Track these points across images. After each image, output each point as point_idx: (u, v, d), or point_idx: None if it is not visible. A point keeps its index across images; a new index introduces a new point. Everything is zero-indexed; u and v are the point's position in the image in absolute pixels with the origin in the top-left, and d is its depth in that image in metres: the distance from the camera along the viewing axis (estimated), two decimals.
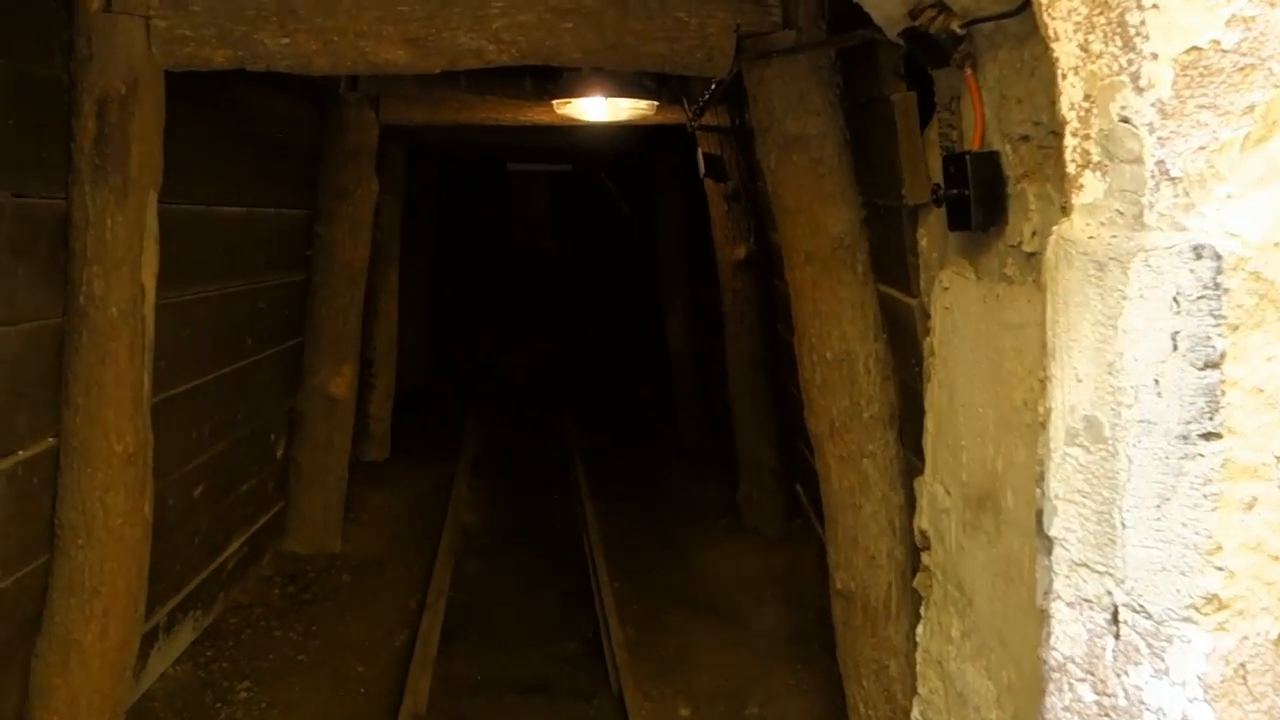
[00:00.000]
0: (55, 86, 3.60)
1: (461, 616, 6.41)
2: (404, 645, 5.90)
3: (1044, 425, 1.79)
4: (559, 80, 6.64)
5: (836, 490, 4.07)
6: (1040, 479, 1.81)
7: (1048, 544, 1.78)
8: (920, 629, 3.60)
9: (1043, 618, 1.79)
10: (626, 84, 6.45)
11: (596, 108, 6.50)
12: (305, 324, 6.97)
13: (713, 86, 6.40)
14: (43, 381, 3.65)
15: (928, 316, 3.44)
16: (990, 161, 2.66)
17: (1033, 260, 2.44)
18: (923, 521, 3.54)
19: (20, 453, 3.56)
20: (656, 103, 6.58)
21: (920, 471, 3.72)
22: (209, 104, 5.12)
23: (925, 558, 3.57)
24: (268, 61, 3.82)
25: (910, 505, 4.05)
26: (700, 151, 7.13)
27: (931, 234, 3.38)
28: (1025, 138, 2.46)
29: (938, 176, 3.26)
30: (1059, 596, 1.73)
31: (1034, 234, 2.45)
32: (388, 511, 8.27)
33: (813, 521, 6.99)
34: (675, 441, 10.24)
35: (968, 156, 2.74)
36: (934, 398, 3.41)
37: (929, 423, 3.46)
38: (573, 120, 7.08)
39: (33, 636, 3.74)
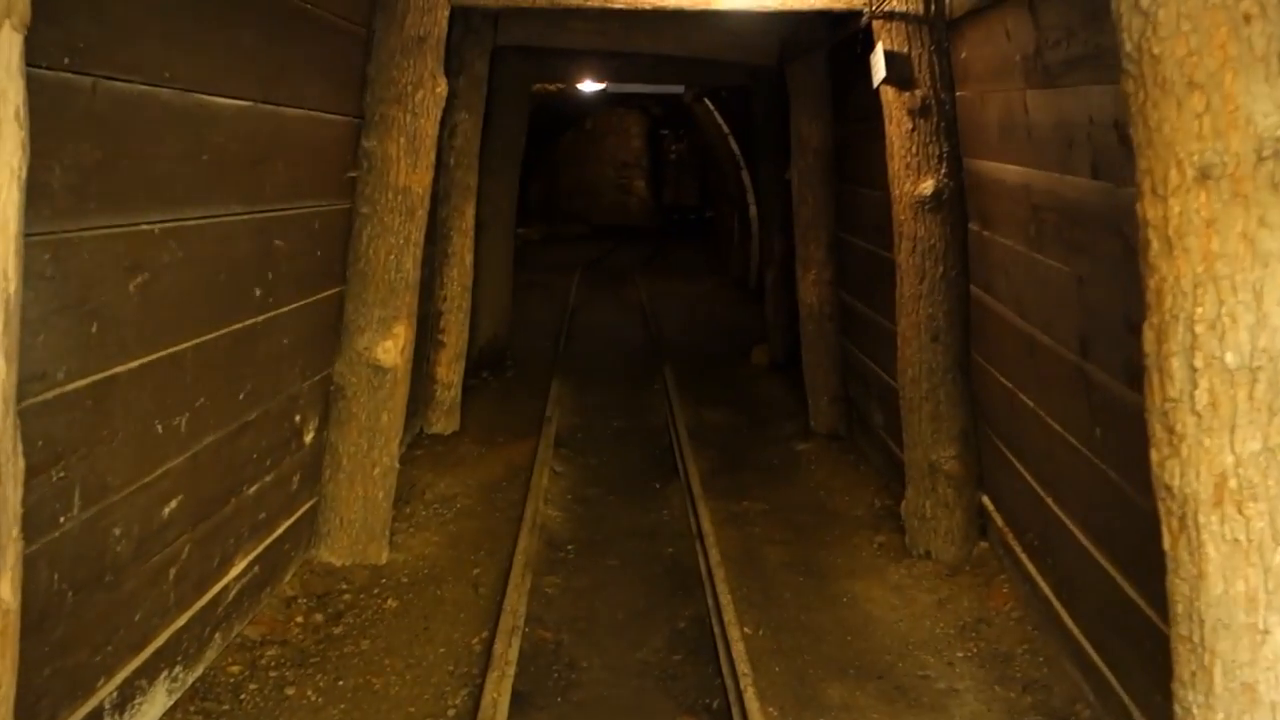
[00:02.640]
0: None
1: (540, 668, 4.75)
2: (462, 716, 4.27)
3: None
4: None
5: (1217, 597, 2.27)
6: None
7: None
8: None
9: None
10: None
11: None
12: (347, 270, 5.31)
13: None
14: None
15: None
16: None
17: None
18: None
19: None
20: None
21: None
22: None
23: None
24: None
25: None
26: (880, 49, 5.26)
27: None
28: None
29: None
30: None
31: None
32: (451, 504, 6.63)
33: (1009, 546, 5.19)
34: (803, 424, 8.42)
35: None
36: None
37: None
38: (706, 4, 5.28)
39: None
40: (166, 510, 3.71)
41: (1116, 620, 3.75)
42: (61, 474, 2.96)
